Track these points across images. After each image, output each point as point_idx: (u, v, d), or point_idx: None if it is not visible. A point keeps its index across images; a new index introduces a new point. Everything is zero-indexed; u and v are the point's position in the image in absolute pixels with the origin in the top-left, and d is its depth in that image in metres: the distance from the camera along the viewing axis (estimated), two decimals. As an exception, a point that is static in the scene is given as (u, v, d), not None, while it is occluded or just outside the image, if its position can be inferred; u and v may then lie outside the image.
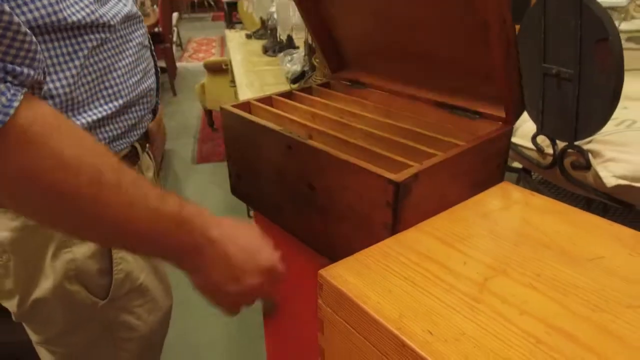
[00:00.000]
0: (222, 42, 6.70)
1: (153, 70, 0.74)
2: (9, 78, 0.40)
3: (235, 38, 2.43)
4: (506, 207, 0.49)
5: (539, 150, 0.81)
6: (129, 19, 0.65)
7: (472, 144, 0.66)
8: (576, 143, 0.73)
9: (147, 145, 0.78)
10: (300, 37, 1.75)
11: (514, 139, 0.86)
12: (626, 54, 1.65)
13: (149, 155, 0.80)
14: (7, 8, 0.39)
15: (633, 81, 1.13)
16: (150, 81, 0.72)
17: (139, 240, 0.51)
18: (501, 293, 0.37)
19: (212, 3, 8.98)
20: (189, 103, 4.20)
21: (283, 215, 0.80)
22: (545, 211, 0.47)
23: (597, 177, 0.71)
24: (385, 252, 0.42)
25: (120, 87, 0.63)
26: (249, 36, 2.38)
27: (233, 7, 4.60)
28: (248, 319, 1.88)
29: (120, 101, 0.64)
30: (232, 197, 0.92)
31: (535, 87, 0.77)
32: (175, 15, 5.63)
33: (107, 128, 0.63)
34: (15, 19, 0.40)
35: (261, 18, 2.13)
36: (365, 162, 0.61)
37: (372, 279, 0.38)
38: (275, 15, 1.79)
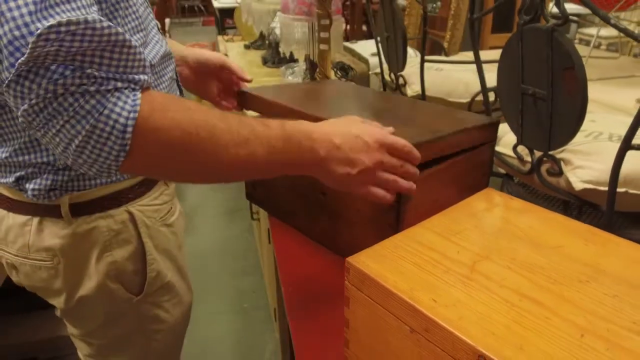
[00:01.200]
0: (214, 48, 6.73)
1: None
2: (132, 85, 0.52)
3: (234, 48, 2.53)
4: (489, 208, 0.61)
5: (519, 158, 0.91)
6: (164, 57, 0.74)
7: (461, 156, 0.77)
8: (550, 152, 0.83)
9: None
10: (300, 49, 1.83)
11: (497, 148, 0.96)
12: (605, 63, 1.77)
13: None
14: (127, 36, 0.51)
15: (610, 90, 1.25)
16: None
17: (262, 165, 0.58)
18: (486, 272, 0.48)
19: (202, 8, 9.02)
20: (185, 109, 4.23)
21: (297, 219, 0.88)
22: (520, 211, 0.59)
23: (568, 181, 0.82)
24: (397, 245, 0.53)
25: None
26: (247, 47, 2.48)
27: (225, 14, 4.60)
28: (254, 315, 1.95)
29: None
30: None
31: (516, 103, 0.88)
32: (167, 21, 5.68)
33: None
34: (133, 42, 0.52)
35: (261, 32, 2.23)
36: (372, 171, 0.72)
37: (388, 264, 0.50)
38: (277, 31, 1.89)
